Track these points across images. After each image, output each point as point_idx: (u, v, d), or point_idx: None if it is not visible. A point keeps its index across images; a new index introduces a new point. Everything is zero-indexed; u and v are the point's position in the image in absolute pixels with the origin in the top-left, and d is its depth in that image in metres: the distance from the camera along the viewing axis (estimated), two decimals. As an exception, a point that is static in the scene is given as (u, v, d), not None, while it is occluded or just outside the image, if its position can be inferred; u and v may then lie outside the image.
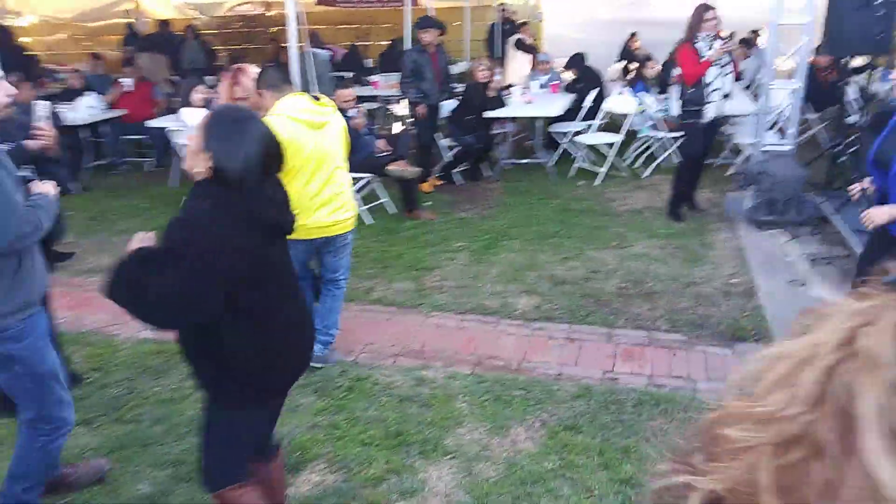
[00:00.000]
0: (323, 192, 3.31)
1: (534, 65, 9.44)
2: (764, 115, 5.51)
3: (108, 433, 3.07)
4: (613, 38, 10.36)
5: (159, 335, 3.94)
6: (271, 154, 1.98)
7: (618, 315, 4.09)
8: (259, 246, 1.95)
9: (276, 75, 3.33)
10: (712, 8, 5.18)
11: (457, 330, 4.03)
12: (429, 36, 6.34)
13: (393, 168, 5.58)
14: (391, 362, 3.66)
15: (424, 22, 6.45)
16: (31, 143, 2.93)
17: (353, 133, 5.71)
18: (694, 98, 5.26)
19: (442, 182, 6.89)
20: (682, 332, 3.88)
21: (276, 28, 13.15)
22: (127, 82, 7.94)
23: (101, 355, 3.75)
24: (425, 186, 6.51)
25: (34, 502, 2.46)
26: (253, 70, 3.57)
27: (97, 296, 4.58)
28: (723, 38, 5.22)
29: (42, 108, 2.94)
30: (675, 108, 6.49)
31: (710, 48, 5.17)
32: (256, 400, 2.10)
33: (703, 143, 5.51)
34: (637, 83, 7.57)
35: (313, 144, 3.30)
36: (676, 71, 7.74)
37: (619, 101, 7.04)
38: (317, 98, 3.68)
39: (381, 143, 5.95)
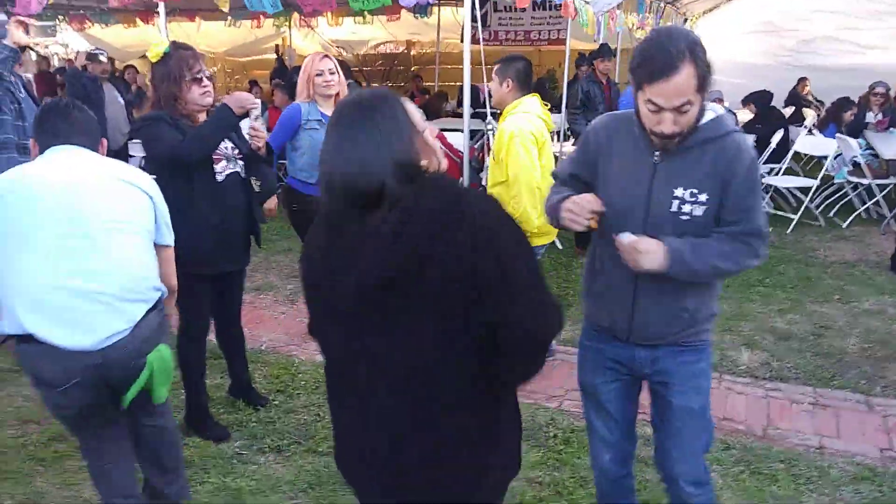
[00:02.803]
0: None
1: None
2: None
3: (303, 465, 2.70)
4: (774, 83, 9.62)
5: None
6: None
7: (872, 381, 3.39)
8: None
9: (526, 70, 3.03)
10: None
11: (671, 382, 3.45)
12: (605, 64, 5.95)
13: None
14: (603, 414, 3.13)
15: (602, 50, 6.06)
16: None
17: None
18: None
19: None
20: (966, 409, 3.14)
21: (417, 66, 13.31)
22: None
23: (281, 376, 3.44)
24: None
25: None
26: None
27: (269, 313, 4.39)
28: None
29: (256, 110, 2.70)
30: (894, 150, 5.75)
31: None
32: None
33: (941, 187, 4.74)
34: (829, 126, 6.82)
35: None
36: (870, 116, 6.99)
37: (816, 142, 6.33)
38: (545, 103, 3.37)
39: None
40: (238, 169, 2.72)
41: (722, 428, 3.02)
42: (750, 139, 6.44)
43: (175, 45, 2.55)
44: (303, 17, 12.00)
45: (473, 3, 4.98)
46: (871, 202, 6.10)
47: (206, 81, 2.54)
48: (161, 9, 5.05)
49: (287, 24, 12.26)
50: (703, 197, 1.68)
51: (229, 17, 11.64)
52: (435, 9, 10.98)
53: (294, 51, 12.63)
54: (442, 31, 11.49)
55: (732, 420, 3.09)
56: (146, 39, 13.00)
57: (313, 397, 3.23)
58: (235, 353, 3.09)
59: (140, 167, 7.27)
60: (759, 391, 3.34)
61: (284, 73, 11.91)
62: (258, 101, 2.68)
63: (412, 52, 13.49)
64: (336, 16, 11.50)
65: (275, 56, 13.00)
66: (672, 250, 1.68)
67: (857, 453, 2.81)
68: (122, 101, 5.97)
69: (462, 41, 10.63)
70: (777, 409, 3.18)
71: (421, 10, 10.88)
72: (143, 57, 12.87)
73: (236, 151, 2.71)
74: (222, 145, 2.61)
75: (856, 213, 6.11)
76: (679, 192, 1.69)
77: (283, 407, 3.14)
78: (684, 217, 1.70)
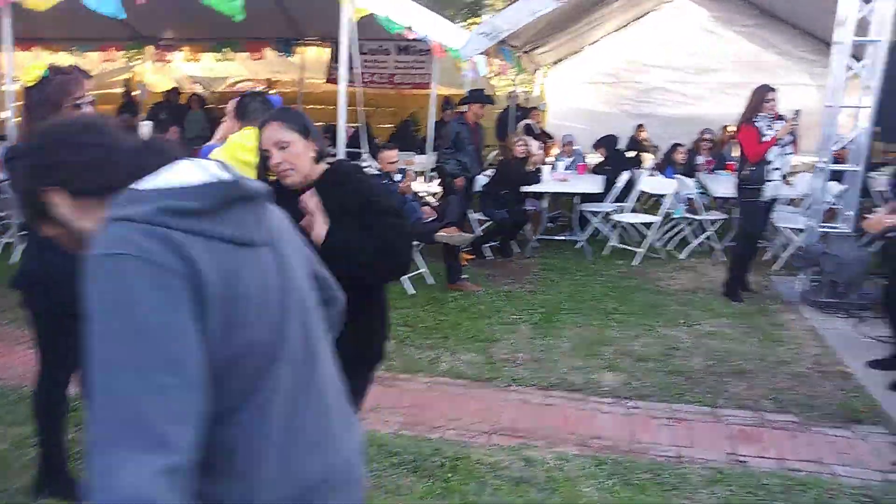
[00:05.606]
0: None
1: (547, 149, 9.47)
2: (820, 197, 5.46)
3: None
4: (616, 129, 10.54)
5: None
6: None
7: (716, 394, 3.78)
8: None
9: (254, 105, 2.99)
10: (773, 90, 5.19)
11: (545, 407, 3.65)
12: (477, 109, 6.28)
13: (443, 235, 5.30)
14: (486, 440, 3.25)
15: (475, 96, 6.39)
16: None
17: (400, 198, 5.50)
18: (754, 177, 5.19)
19: (473, 257, 6.63)
20: (793, 413, 3.58)
21: (279, 105, 13.15)
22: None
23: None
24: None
25: None
26: None
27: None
28: (784, 118, 5.20)
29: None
30: (722, 189, 6.48)
31: (769, 128, 5.15)
32: None
33: (762, 222, 5.41)
34: (667, 168, 7.58)
35: None
36: (700, 159, 7.86)
37: (657, 182, 7.00)
38: None
39: (427, 210, 5.70)
40: None
41: (593, 445, 3.24)
42: (602, 178, 6.93)
43: (54, 70, 2.38)
44: (158, 51, 11.55)
45: (336, 45, 5.09)
46: (704, 236, 6.81)
47: (87, 108, 2.41)
48: (7, 38, 4.70)
49: (140, 57, 11.74)
50: None
51: (73, 48, 10.96)
52: (298, 48, 11.01)
53: (146, 86, 12.08)
54: (305, 71, 11.51)
55: (601, 438, 3.31)
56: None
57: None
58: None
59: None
60: (622, 409, 3.62)
61: (133, 109, 11.35)
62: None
63: (273, 91, 13.33)
64: (194, 51, 11.19)
65: (122, 90, 12.36)
66: None
67: (709, 459, 3.12)
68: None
69: (327, 81, 10.75)
70: (639, 424, 3.46)
71: (284, 49, 10.88)
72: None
73: None
74: None
75: (690, 246, 6.81)
76: None
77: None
78: None
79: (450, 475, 2.92)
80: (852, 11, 5.33)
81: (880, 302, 4.71)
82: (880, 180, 6.49)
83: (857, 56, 5.49)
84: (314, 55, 11.35)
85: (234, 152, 2.96)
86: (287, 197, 2.01)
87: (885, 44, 5.27)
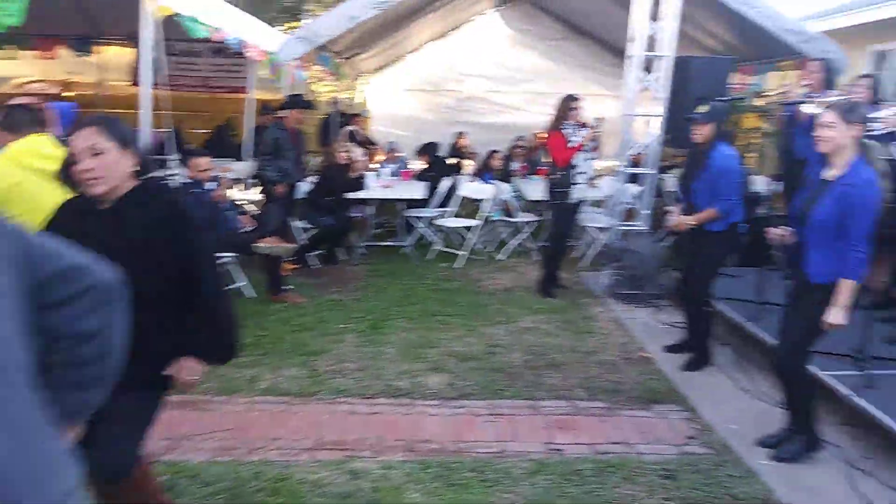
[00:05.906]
0: None
1: (371, 156, 9.47)
2: (619, 198, 5.93)
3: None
4: (437, 137, 10.81)
5: None
6: None
7: (534, 387, 3.95)
8: None
9: (23, 117, 2.81)
10: (578, 99, 5.55)
11: (371, 415, 3.59)
12: (297, 115, 6.09)
13: (262, 245, 5.07)
14: (309, 457, 3.13)
15: (295, 101, 6.18)
16: None
17: (213, 207, 5.18)
18: (562, 180, 5.51)
19: (297, 266, 6.42)
20: (602, 400, 3.83)
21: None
22: None
23: None
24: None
25: None
26: None
27: None
28: (588, 126, 5.58)
29: None
30: (535, 192, 6.81)
31: (575, 135, 5.50)
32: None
33: (571, 222, 5.76)
34: (484, 173, 7.86)
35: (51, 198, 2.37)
36: (515, 164, 8.26)
37: (476, 187, 7.23)
38: (65, 143, 3.16)
39: (245, 219, 5.42)
40: None
41: (419, 450, 3.23)
42: (425, 184, 7.02)
43: None
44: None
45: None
46: (520, 237, 7.15)
47: None
48: None
49: None
50: None
51: None
52: (98, 47, 10.09)
53: None
54: (106, 72, 10.59)
55: (427, 441, 3.32)
56: None
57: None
58: None
59: None
60: (448, 410, 3.66)
61: None
62: None
63: (70, 94, 12.10)
64: (-32, 47, 9.84)
65: None
66: None
67: (529, 451, 3.23)
68: None
69: (133, 83, 9.93)
70: (463, 423, 3.51)
71: (81, 48, 9.90)
72: None
73: None
74: None
75: (506, 246, 7.12)
76: None
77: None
78: None
79: (270, 499, 2.76)
80: (642, 29, 5.88)
81: (674, 292, 5.22)
82: (670, 182, 7.19)
83: (648, 69, 6.05)
84: (116, 55, 10.46)
85: (24, 159, 2.65)
86: (90, 213, 1.99)
87: (670, 59, 5.86)
